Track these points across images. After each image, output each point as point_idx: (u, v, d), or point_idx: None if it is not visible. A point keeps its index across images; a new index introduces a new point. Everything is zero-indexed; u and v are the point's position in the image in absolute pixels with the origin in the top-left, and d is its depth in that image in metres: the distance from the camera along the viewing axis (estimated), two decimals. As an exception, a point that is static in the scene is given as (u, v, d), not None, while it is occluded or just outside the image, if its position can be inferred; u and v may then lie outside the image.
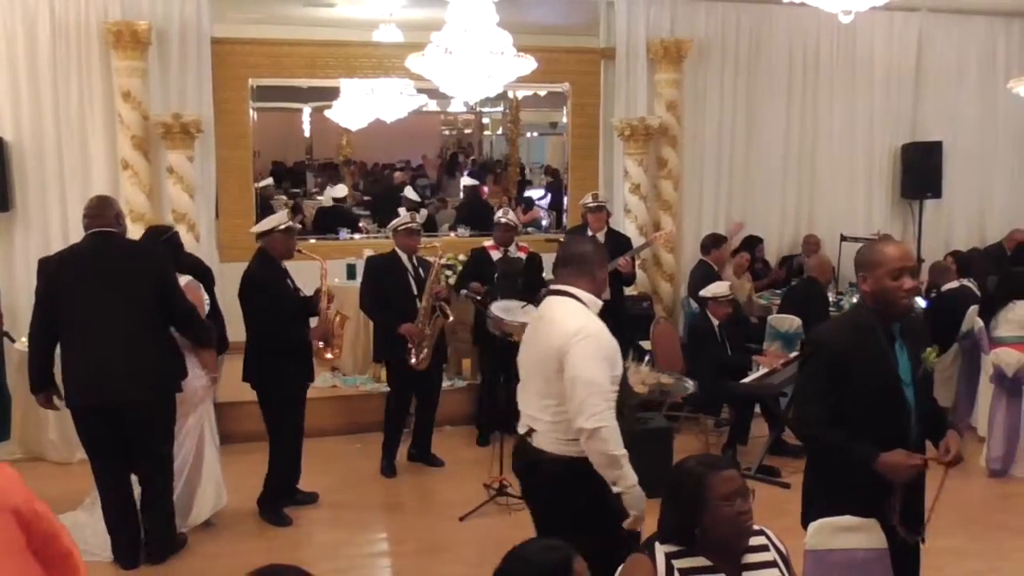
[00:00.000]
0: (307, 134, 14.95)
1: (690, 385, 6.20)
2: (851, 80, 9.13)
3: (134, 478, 4.88)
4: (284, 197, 12.74)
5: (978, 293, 7.54)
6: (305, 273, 5.83)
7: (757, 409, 6.77)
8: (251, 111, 8.87)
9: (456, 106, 13.84)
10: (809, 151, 9.13)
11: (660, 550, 2.60)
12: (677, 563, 2.58)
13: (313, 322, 5.61)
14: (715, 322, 6.73)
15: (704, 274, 7.55)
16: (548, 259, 7.18)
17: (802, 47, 8.97)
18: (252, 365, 5.39)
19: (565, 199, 9.96)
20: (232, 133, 8.44)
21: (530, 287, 6.71)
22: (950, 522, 4.80)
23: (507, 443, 5.85)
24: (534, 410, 3.49)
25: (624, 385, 3.48)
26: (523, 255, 6.93)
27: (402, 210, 7.82)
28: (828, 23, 8.12)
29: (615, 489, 3.27)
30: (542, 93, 12.56)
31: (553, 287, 3.57)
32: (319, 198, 13.08)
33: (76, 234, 5.70)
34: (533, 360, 3.52)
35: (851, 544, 3.11)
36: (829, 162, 9.19)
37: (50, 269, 4.82)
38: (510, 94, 12.79)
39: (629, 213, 8.37)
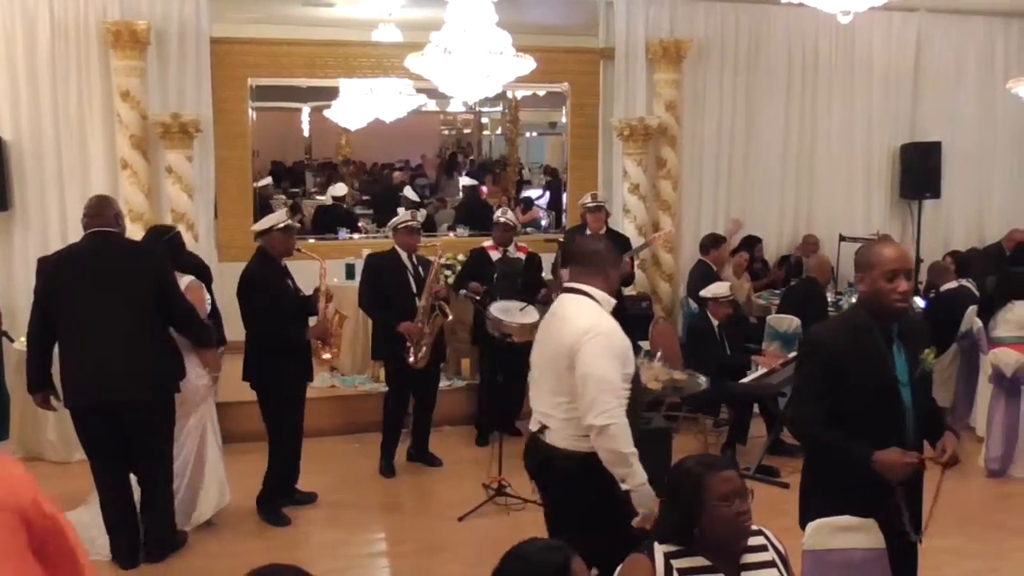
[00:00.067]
0: (306, 134, 14.96)
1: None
2: (850, 80, 9.13)
3: (133, 478, 4.89)
4: (283, 197, 12.73)
5: (977, 293, 7.55)
6: (305, 273, 5.83)
7: (756, 409, 6.78)
8: (250, 111, 8.88)
9: (455, 106, 13.86)
10: (808, 151, 9.13)
11: (659, 550, 2.61)
12: (676, 563, 2.58)
13: (312, 322, 5.62)
14: (715, 322, 6.73)
15: (703, 274, 7.56)
16: (547, 259, 7.23)
17: (801, 47, 8.98)
18: (251, 365, 5.40)
19: (564, 198, 9.96)
20: (231, 133, 8.44)
21: (529, 287, 6.73)
22: (948, 522, 4.79)
23: (506, 443, 5.88)
24: (547, 407, 3.52)
25: (636, 383, 3.50)
26: (522, 255, 6.93)
27: (401, 210, 7.82)
28: (827, 23, 8.12)
29: (624, 487, 3.29)
30: (541, 93, 12.58)
31: (567, 285, 3.62)
32: (319, 198, 13.08)
33: (75, 234, 5.70)
34: (545, 358, 3.56)
35: (849, 544, 3.11)
36: (828, 162, 9.19)
37: (48, 269, 4.82)
38: (509, 94, 12.81)
39: (628, 213, 8.37)
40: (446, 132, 16.36)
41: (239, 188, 8.66)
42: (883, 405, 3.11)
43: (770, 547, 2.70)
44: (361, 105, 9.25)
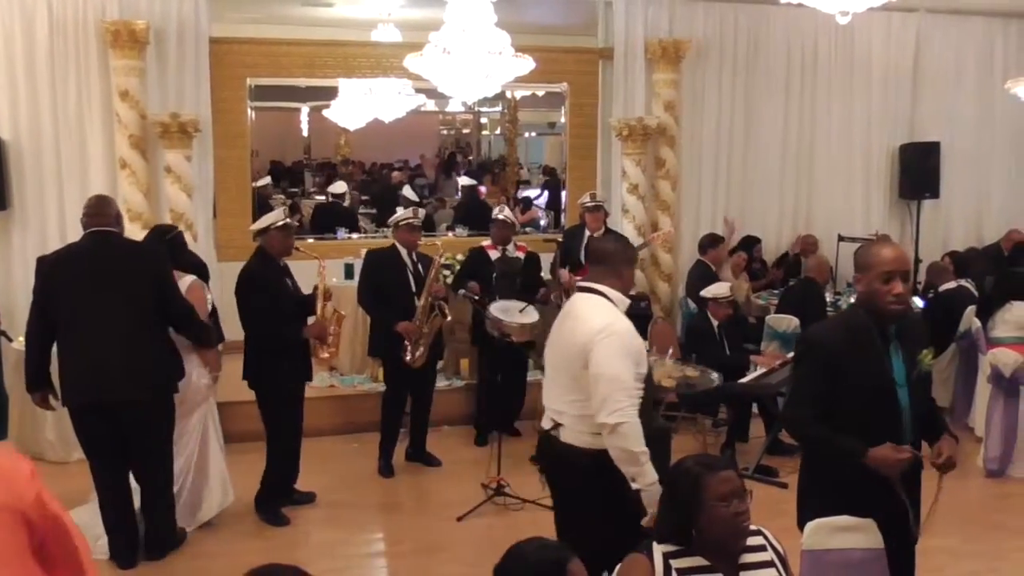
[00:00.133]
0: (305, 134, 14.95)
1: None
2: (849, 80, 9.13)
3: (132, 478, 4.89)
4: (282, 196, 12.73)
5: (975, 293, 7.55)
6: (306, 272, 5.83)
7: (755, 409, 6.78)
8: (249, 110, 8.88)
9: (454, 106, 13.85)
10: (807, 151, 9.14)
11: (658, 550, 2.61)
12: (675, 563, 2.58)
13: (311, 321, 5.62)
14: (714, 322, 6.73)
15: (702, 274, 7.56)
16: (546, 259, 7.22)
17: (800, 47, 8.98)
18: (250, 364, 5.40)
19: (563, 198, 9.96)
20: (230, 132, 8.43)
21: (528, 287, 6.73)
22: (947, 522, 4.80)
23: (505, 443, 5.89)
24: (560, 405, 3.56)
25: (649, 383, 3.53)
26: (521, 255, 6.92)
27: (400, 209, 7.81)
28: (826, 23, 8.11)
29: (634, 486, 3.31)
30: (540, 93, 12.57)
31: (581, 284, 3.67)
32: (318, 198, 13.07)
33: (73, 233, 5.70)
34: (559, 356, 3.60)
35: (848, 544, 3.11)
36: (827, 162, 9.19)
37: (47, 268, 4.82)
38: (508, 94, 12.81)
39: (627, 213, 8.37)
40: (445, 132, 16.36)
41: (238, 188, 8.66)
42: (879, 406, 3.11)
43: (769, 547, 2.70)
44: (360, 105, 9.25)
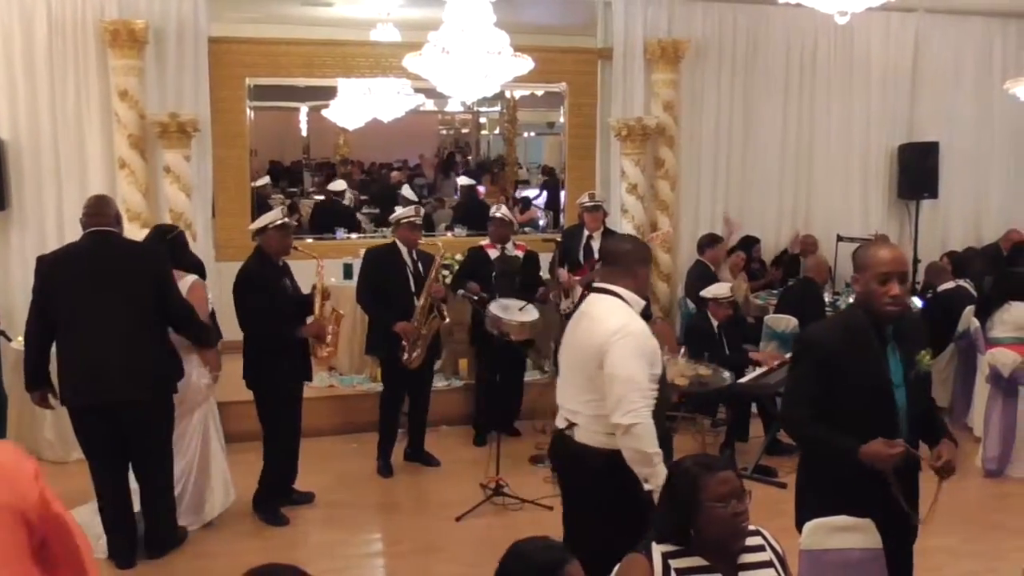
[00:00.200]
0: (304, 133, 14.92)
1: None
2: (848, 80, 9.13)
3: (131, 478, 4.89)
4: (281, 196, 12.72)
5: (974, 293, 7.56)
6: (307, 272, 5.83)
7: (754, 409, 6.78)
8: (248, 110, 8.87)
9: (453, 106, 13.83)
10: (806, 151, 9.14)
11: (657, 550, 2.61)
12: (674, 563, 2.58)
13: (309, 321, 5.61)
14: (715, 323, 6.73)
15: (701, 274, 7.56)
16: (545, 259, 7.23)
17: (799, 47, 8.98)
18: (248, 364, 5.40)
19: (562, 198, 9.96)
20: (229, 132, 8.43)
21: (527, 286, 6.73)
22: (946, 522, 4.79)
23: (504, 443, 5.89)
24: (575, 405, 3.57)
25: (663, 384, 3.55)
26: (520, 253, 6.92)
27: (399, 208, 7.81)
28: (825, 24, 8.11)
29: (647, 487, 3.32)
30: (539, 93, 12.55)
31: (596, 285, 3.68)
32: (317, 197, 13.07)
33: (72, 233, 5.69)
34: (574, 356, 3.62)
35: (846, 544, 3.11)
36: (826, 162, 9.19)
37: (47, 268, 4.81)
38: (507, 94, 12.79)
39: (626, 213, 8.37)
40: (444, 132, 16.33)
41: (237, 188, 8.65)
42: (876, 406, 3.11)
43: (768, 547, 2.70)
44: (359, 105, 9.25)
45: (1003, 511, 5.84)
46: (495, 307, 6.21)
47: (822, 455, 3.22)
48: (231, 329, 5.64)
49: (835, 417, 3.09)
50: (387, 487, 6.18)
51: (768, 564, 2.66)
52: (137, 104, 7.09)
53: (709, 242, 7.83)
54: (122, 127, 7.08)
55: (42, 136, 7.10)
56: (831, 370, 3.10)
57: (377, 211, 12.22)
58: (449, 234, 10.24)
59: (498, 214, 6.95)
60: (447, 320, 6.35)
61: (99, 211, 4.76)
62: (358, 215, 11.93)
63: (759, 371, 6.40)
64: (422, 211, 7.36)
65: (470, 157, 15.91)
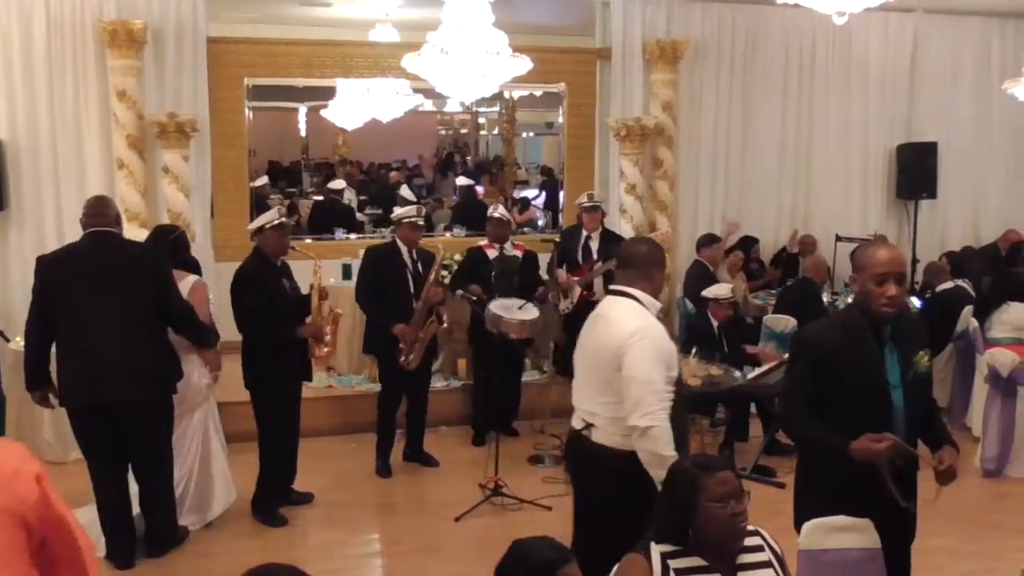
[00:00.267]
0: (303, 133, 14.92)
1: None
2: (846, 81, 9.14)
3: (131, 478, 4.88)
4: (280, 196, 12.71)
5: (973, 293, 7.57)
6: (306, 272, 5.82)
7: (753, 409, 6.78)
8: (247, 110, 8.85)
9: (452, 106, 13.82)
10: (805, 152, 9.15)
11: (656, 550, 2.61)
12: (673, 563, 2.58)
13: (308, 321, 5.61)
14: (714, 323, 6.73)
15: (699, 274, 7.57)
16: (544, 259, 7.23)
17: (798, 47, 8.99)
18: (246, 364, 5.39)
19: (561, 198, 9.96)
20: (228, 132, 8.41)
21: (527, 286, 6.73)
22: (945, 522, 4.82)
23: (502, 443, 5.88)
24: (592, 406, 3.59)
25: (680, 386, 3.56)
26: (519, 253, 6.92)
27: (398, 208, 7.80)
28: (823, 24, 8.08)
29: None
30: (538, 93, 12.55)
31: (612, 287, 3.70)
32: (315, 198, 13.06)
33: (71, 233, 5.70)
34: (592, 358, 3.63)
35: (845, 544, 3.12)
36: (824, 163, 9.20)
37: (46, 268, 4.81)
38: (506, 94, 12.79)
39: (625, 213, 8.38)
40: (443, 132, 16.33)
41: (235, 188, 8.64)
42: (873, 406, 3.10)
43: (766, 547, 2.71)
44: (358, 105, 9.23)
45: (1002, 511, 5.84)
46: (495, 306, 6.21)
47: (818, 454, 3.22)
48: (230, 329, 5.64)
49: (832, 417, 3.10)
50: (386, 487, 6.18)
51: (767, 564, 2.67)
52: (136, 104, 7.10)
53: (707, 242, 7.83)
54: (120, 127, 7.08)
55: (41, 136, 7.10)
56: (828, 370, 3.10)
57: (379, 212, 12.22)
58: (448, 234, 10.24)
59: (496, 214, 6.95)
60: (445, 325, 6.35)
61: (99, 211, 4.76)
62: (360, 215, 11.93)
63: (758, 371, 6.40)
64: (423, 211, 7.36)
65: (469, 157, 15.90)
